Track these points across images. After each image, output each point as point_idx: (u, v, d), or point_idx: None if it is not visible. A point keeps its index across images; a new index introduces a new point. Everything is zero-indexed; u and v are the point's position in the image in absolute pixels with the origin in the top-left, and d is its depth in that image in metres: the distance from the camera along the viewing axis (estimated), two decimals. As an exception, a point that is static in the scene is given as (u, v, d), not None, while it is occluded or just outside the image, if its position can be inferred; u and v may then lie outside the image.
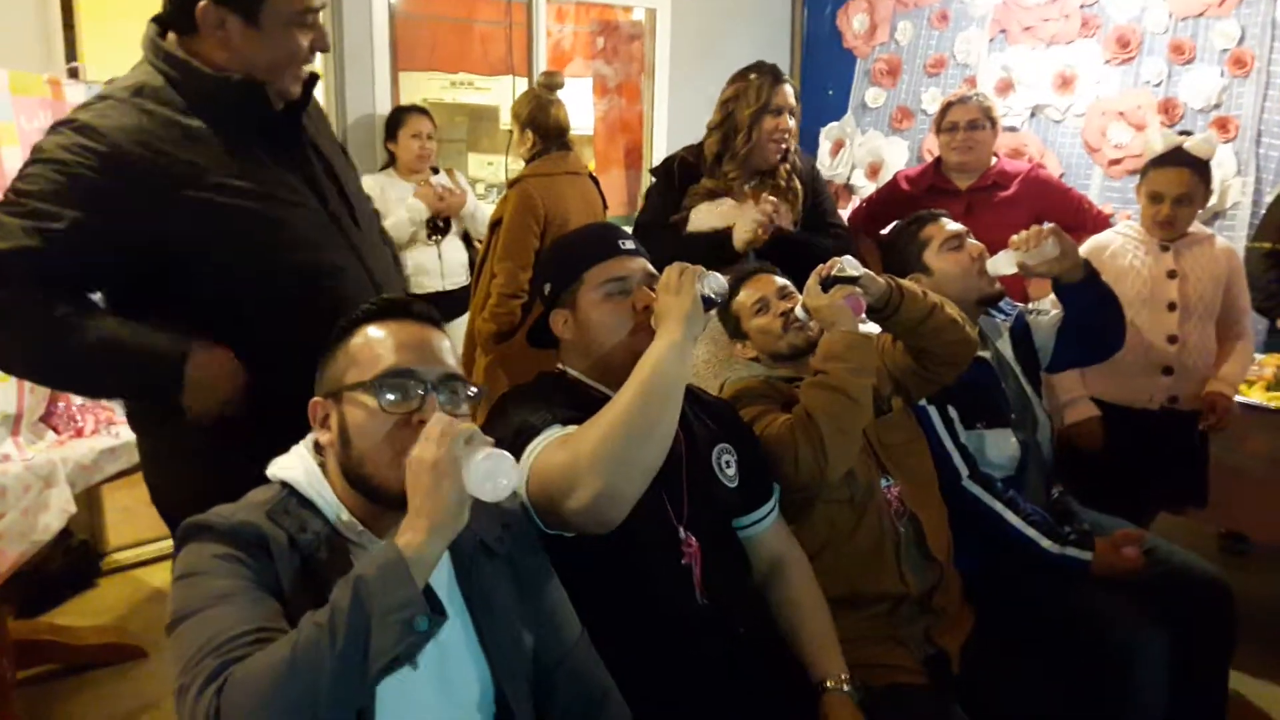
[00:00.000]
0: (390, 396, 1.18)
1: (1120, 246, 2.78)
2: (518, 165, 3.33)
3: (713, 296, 1.50)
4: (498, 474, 1.07)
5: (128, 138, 1.49)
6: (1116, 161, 3.90)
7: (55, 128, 1.51)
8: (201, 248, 1.53)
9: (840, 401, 1.76)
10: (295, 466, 1.23)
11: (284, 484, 1.22)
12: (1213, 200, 3.63)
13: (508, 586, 1.29)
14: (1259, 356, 3.09)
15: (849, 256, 1.88)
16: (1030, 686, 1.87)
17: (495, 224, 3.17)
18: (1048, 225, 2.20)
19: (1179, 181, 2.67)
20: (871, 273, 1.88)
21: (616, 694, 1.37)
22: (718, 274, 1.53)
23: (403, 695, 1.12)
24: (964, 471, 2.10)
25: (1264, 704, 2.50)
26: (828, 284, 1.85)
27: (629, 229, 1.85)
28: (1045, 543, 2.05)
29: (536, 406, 1.51)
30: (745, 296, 2.09)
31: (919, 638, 1.89)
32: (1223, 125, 3.72)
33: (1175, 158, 2.66)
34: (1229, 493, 2.82)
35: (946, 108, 3.10)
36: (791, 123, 2.72)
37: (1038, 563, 2.04)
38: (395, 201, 3.60)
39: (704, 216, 2.68)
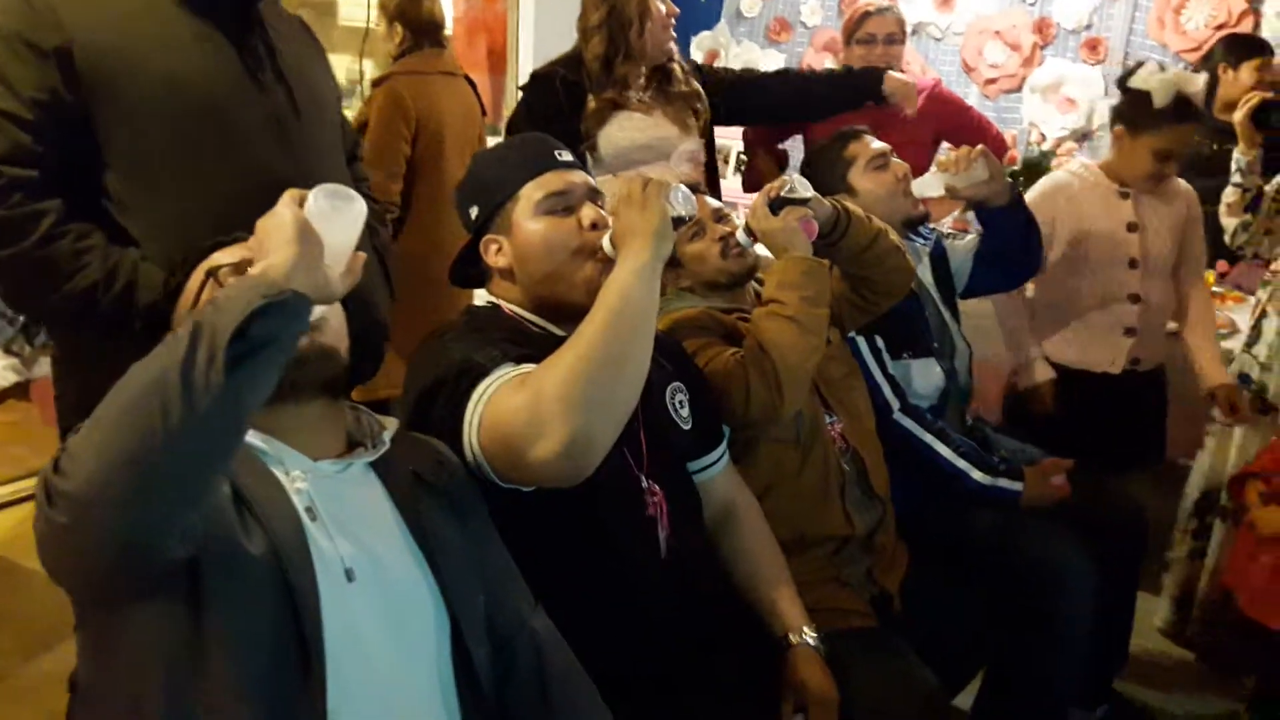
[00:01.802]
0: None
1: (1078, 191, 2.51)
2: (369, 68, 3.01)
3: (682, 214, 1.33)
4: (337, 191, 1.04)
5: None
6: (992, 81, 3.91)
7: None
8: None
9: (796, 333, 1.63)
10: None
11: None
12: (1079, 122, 3.70)
13: (450, 520, 1.18)
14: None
15: (798, 175, 1.74)
16: (964, 620, 1.86)
17: (361, 128, 2.85)
18: (977, 148, 2.13)
19: (1189, 138, 2.44)
20: (819, 195, 1.75)
21: (581, 672, 1.24)
22: (683, 186, 1.37)
23: (350, 635, 1.02)
24: (895, 404, 2.04)
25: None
26: (776, 205, 1.71)
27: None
28: (976, 474, 2.01)
29: (477, 344, 1.32)
30: None
31: (861, 578, 1.82)
32: (1092, 46, 3.78)
33: (1187, 111, 2.35)
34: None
35: (863, 18, 2.95)
36: (675, 6, 2.56)
37: (969, 495, 2.01)
38: None
39: (622, 139, 2.48)
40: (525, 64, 4.09)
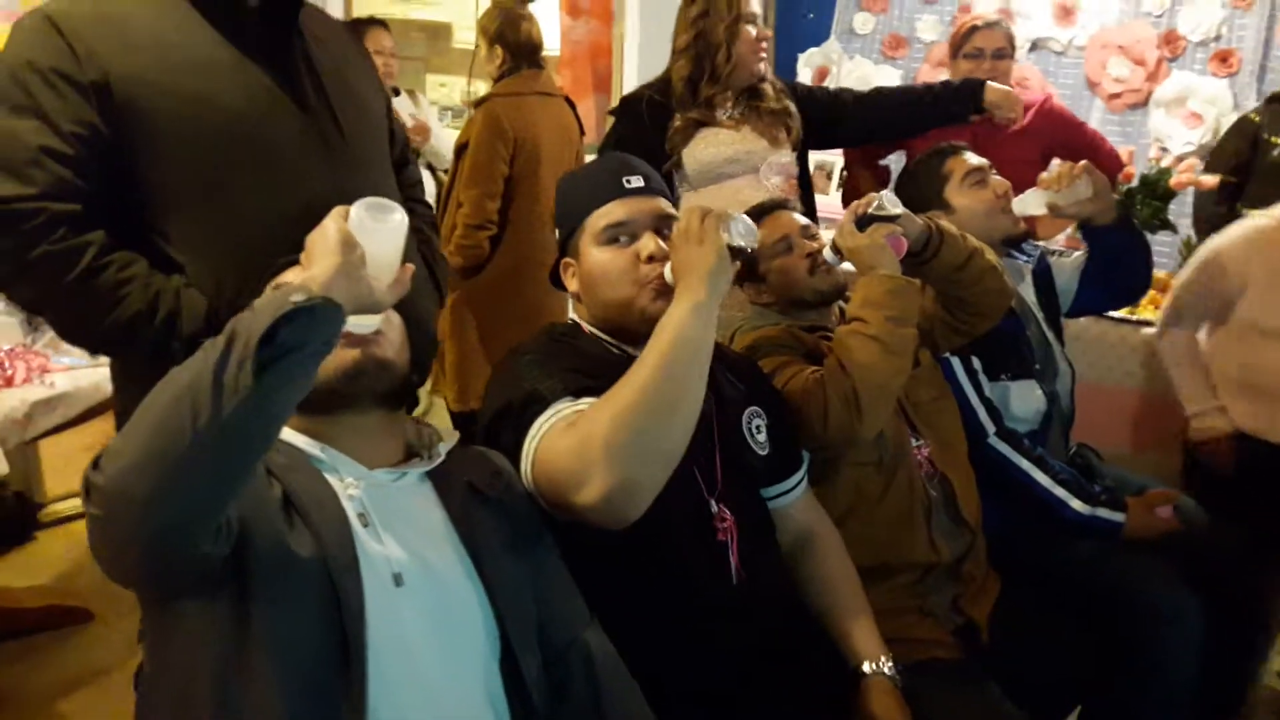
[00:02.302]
0: None
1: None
2: (479, 88, 3.09)
3: (743, 245, 1.30)
4: (380, 203, 1.08)
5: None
6: (1116, 96, 3.76)
7: None
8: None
9: (879, 353, 1.59)
10: None
11: None
12: (1205, 137, 3.52)
13: (504, 530, 1.20)
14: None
15: (888, 192, 1.70)
16: (1058, 655, 1.76)
17: (461, 149, 2.93)
18: (1081, 164, 2.05)
19: None
20: (910, 212, 1.70)
21: (636, 690, 1.23)
22: (745, 217, 1.34)
23: (396, 639, 1.04)
24: (991, 428, 1.96)
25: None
26: (864, 222, 1.67)
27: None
28: (1075, 504, 1.91)
29: (548, 370, 1.33)
30: (763, 235, 1.89)
31: (946, 608, 1.75)
32: (1223, 58, 3.59)
33: None
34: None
35: (970, 31, 2.88)
36: (767, 30, 2.54)
37: (1066, 525, 1.91)
38: None
39: (707, 155, 2.47)
40: (630, 85, 4.13)
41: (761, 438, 1.53)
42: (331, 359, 1.02)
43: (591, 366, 1.35)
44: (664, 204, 1.46)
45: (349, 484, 1.11)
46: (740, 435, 1.51)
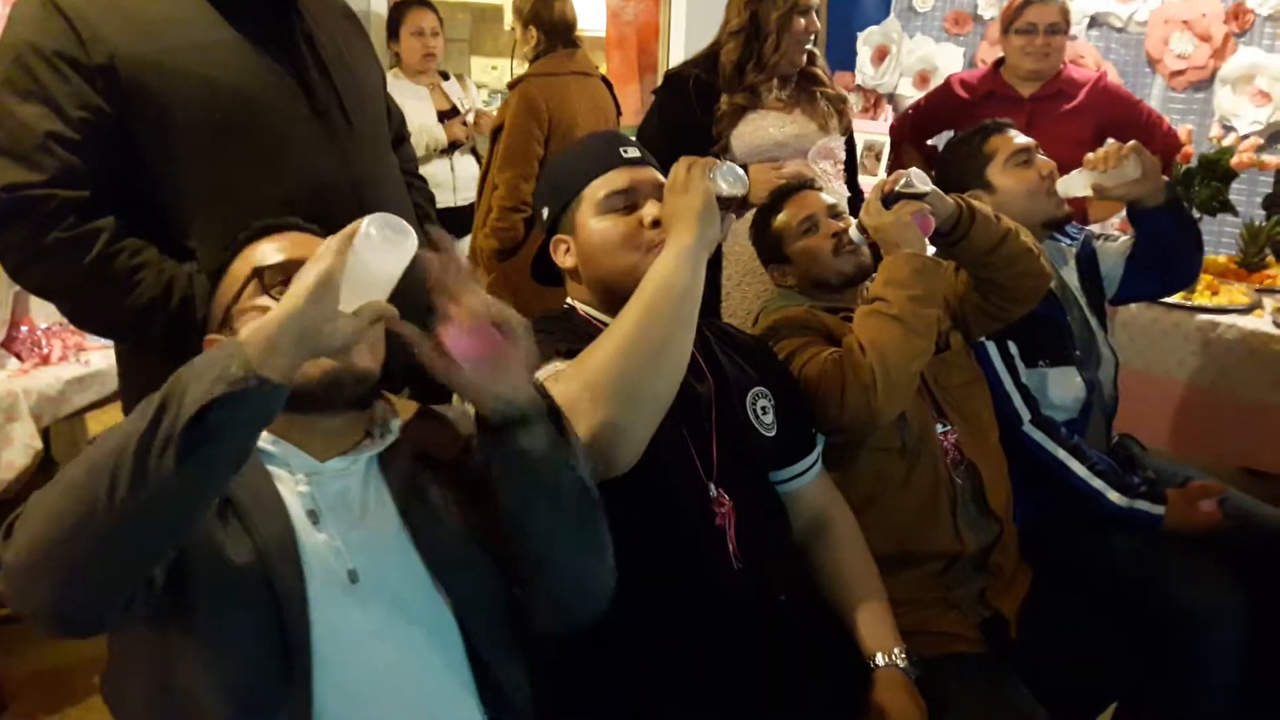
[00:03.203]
0: (280, 279, 1.12)
1: None
2: (524, 70, 3.06)
3: (731, 193, 1.29)
4: (390, 222, 0.94)
5: None
6: (1179, 73, 3.61)
7: None
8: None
9: (899, 333, 1.54)
10: None
11: None
12: (1274, 115, 3.38)
13: (456, 496, 1.13)
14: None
15: (916, 170, 1.65)
16: (1092, 652, 1.70)
17: (497, 131, 2.92)
18: (1129, 144, 1.97)
19: None
20: (939, 190, 1.65)
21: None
22: (732, 164, 1.32)
23: (350, 639, 1.01)
24: (1025, 415, 1.89)
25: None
26: (890, 200, 1.63)
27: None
28: (1113, 495, 1.84)
29: (540, 347, 1.30)
30: (789, 215, 1.86)
31: (972, 600, 1.70)
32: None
33: None
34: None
35: (1024, 6, 2.78)
36: (818, 22, 2.48)
37: (1103, 517, 1.84)
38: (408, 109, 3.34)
39: (756, 138, 2.43)
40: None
41: (768, 419, 1.50)
42: (304, 367, 0.93)
43: (585, 345, 1.32)
44: (659, 175, 1.44)
45: (299, 480, 1.07)
46: (744, 418, 1.47)
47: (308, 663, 0.96)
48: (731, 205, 1.29)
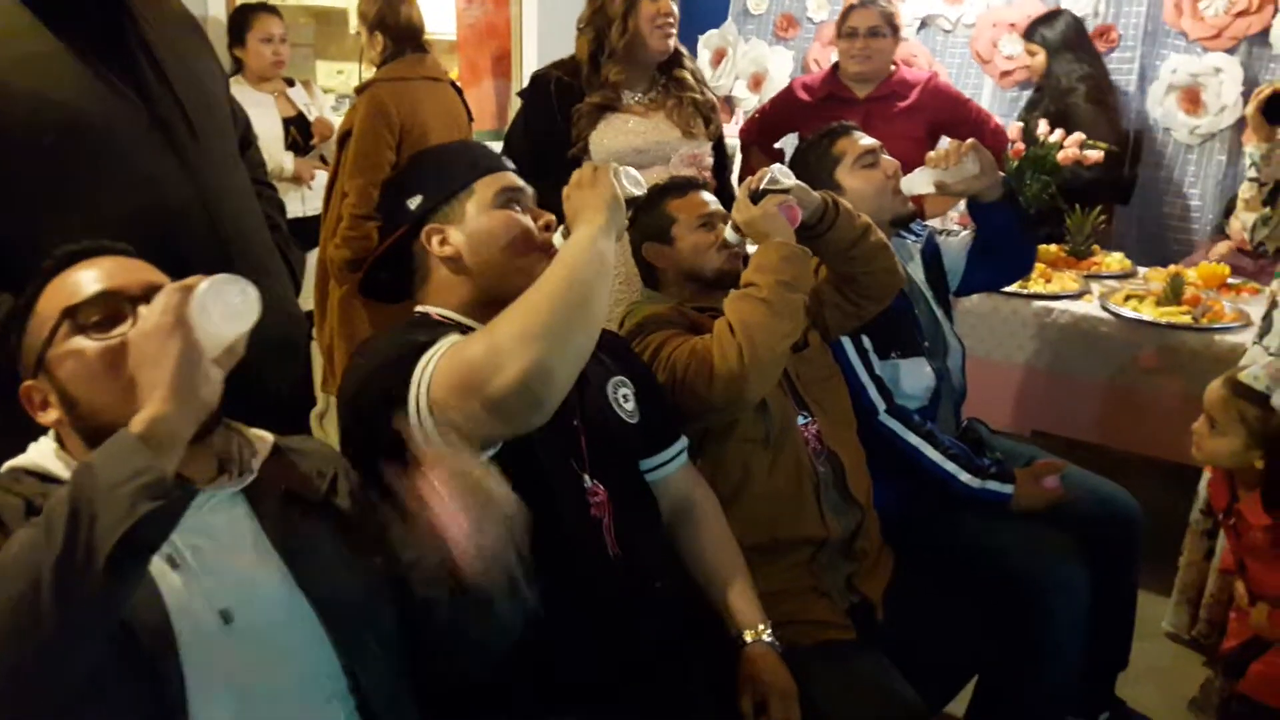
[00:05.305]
0: (96, 319, 1.03)
1: None
2: (372, 74, 2.97)
3: (630, 192, 1.36)
4: (227, 293, 0.94)
5: None
6: (1008, 73, 3.82)
7: None
8: None
9: (766, 314, 1.59)
10: (30, 451, 1.07)
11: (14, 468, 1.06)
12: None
13: (332, 534, 1.12)
14: (1142, 270, 3.06)
15: (780, 165, 1.71)
16: (951, 629, 1.79)
17: (345, 136, 2.82)
18: (968, 141, 2.06)
19: None
20: (804, 184, 1.71)
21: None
22: (630, 168, 1.40)
23: (230, 682, 0.98)
24: (881, 405, 1.97)
25: (1149, 614, 2.48)
26: (757, 197, 1.68)
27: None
28: (965, 477, 1.94)
29: (416, 333, 1.29)
30: (690, 207, 1.85)
31: (841, 586, 1.76)
32: (1103, 34, 3.66)
33: None
34: (1121, 413, 2.76)
35: (848, 11, 2.90)
36: (674, 8, 2.43)
37: (957, 499, 1.93)
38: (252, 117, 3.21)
39: (615, 143, 2.40)
40: (529, 68, 4.06)
41: (630, 406, 1.53)
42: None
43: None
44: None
45: None
46: (608, 408, 1.50)
47: (184, 705, 0.94)
48: (632, 204, 1.35)
